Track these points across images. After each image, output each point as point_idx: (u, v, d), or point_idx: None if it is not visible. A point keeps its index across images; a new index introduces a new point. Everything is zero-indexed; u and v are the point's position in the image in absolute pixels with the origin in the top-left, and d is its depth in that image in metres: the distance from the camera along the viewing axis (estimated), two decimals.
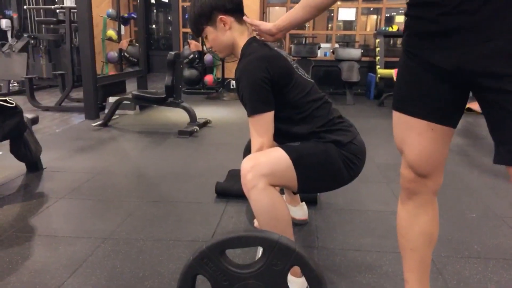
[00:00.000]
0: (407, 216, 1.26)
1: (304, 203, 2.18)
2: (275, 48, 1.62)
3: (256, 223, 1.98)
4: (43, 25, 7.57)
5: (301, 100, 1.56)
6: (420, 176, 1.18)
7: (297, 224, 2.08)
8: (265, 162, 1.45)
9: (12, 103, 2.48)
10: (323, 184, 1.64)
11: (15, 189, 2.64)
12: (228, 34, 1.61)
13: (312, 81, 1.66)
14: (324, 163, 1.52)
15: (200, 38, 1.79)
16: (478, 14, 0.93)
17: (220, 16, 1.58)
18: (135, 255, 1.83)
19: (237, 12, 1.62)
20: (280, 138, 1.60)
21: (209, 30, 1.62)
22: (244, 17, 1.63)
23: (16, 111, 2.53)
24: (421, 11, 1.03)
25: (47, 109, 5.35)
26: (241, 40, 1.62)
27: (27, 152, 2.73)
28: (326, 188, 1.76)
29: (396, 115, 1.18)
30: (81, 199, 2.47)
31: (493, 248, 1.92)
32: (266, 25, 1.57)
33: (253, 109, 1.49)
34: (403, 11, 8.26)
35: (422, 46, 1.06)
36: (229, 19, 1.59)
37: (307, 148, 1.53)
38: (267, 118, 1.49)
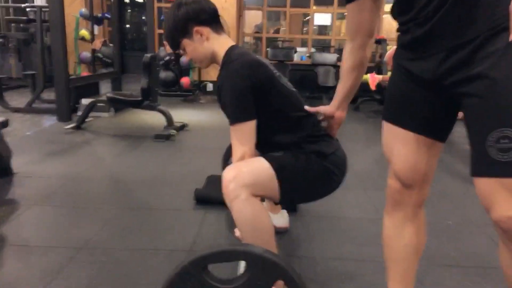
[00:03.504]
0: (393, 228, 1.26)
1: (285, 210, 2.17)
2: (257, 56, 1.60)
3: (237, 232, 1.96)
4: (12, 24, 7.31)
5: (284, 109, 1.55)
6: (406, 187, 1.19)
7: (278, 232, 2.06)
8: (247, 172, 1.42)
9: None
10: (304, 196, 1.64)
11: None
12: (206, 45, 1.58)
13: (295, 90, 1.64)
14: (306, 174, 1.51)
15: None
16: (434, 22, 0.93)
17: (196, 28, 1.55)
18: (112, 266, 1.78)
19: (213, 21, 1.58)
20: (262, 146, 1.57)
21: (186, 43, 1.58)
22: (305, 107, 1.58)
23: None
24: (400, 20, 1.05)
25: (17, 110, 5.16)
26: (221, 49, 1.58)
27: None
28: (307, 199, 1.76)
29: (385, 124, 1.19)
30: (54, 206, 2.39)
31: (470, 256, 1.95)
32: (326, 109, 1.54)
33: (235, 118, 1.46)
34: None
35: (406, 57, 1.06)
36: (205, 30, 1.56)
37: (290, 159, 1.51)
38: (250, 127, 1.47)
